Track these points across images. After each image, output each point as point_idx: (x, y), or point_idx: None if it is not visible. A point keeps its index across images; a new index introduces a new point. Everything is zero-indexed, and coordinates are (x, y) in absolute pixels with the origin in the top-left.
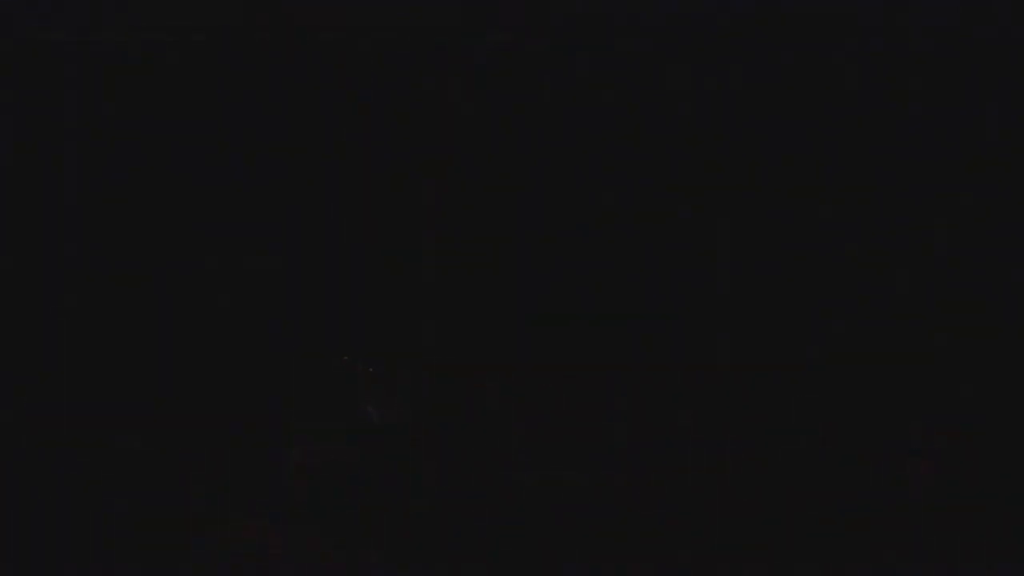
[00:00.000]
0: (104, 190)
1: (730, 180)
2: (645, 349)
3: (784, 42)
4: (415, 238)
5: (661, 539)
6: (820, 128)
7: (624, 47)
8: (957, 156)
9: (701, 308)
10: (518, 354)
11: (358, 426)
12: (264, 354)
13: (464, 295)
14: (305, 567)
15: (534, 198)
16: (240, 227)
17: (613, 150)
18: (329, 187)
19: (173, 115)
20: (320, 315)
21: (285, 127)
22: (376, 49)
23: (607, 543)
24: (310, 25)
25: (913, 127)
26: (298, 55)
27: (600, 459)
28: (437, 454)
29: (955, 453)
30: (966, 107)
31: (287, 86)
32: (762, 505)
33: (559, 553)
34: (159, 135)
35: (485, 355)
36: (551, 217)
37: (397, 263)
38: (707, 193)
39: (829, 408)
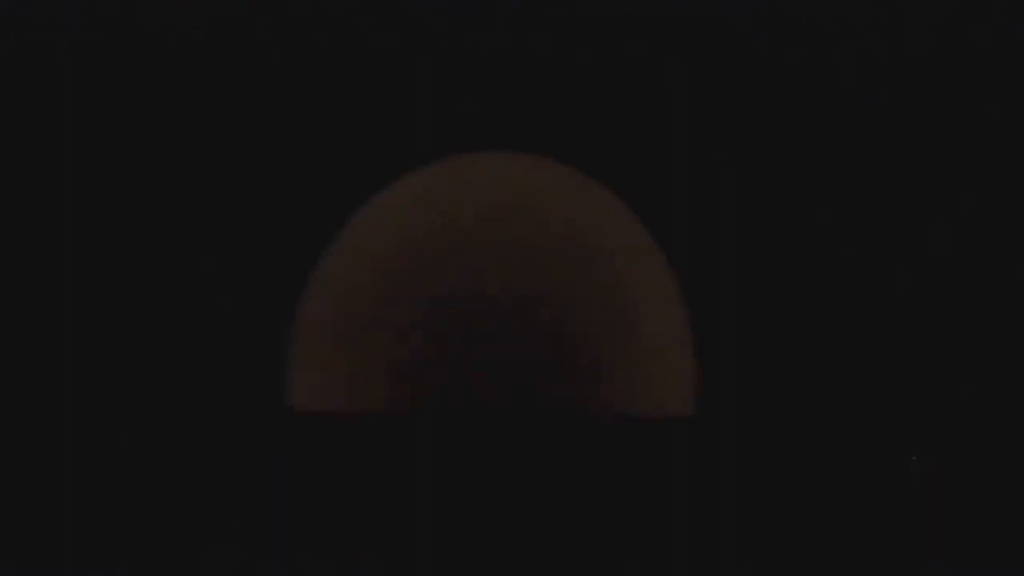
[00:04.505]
0: (104, 190)
1: (730, 180)
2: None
3: (784, 42)
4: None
5: (659, 537)
6: (820, 128)
7: (624, 47)
8: (957, 156)
9: (701, 307)
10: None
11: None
12: (265, 354)
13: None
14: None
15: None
16: (240, 227)
17: (612, 150)
18: (329, 187)
19: (173, 115)
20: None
21: (285, 127)
22: (376, 48)
23: (606, 542)
24: (310, 25)
25: (913, 127)
26: (298, 55)
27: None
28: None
29: (955, 453)
30: (966, 107)
31: (286, 86)
32: (761, 504)
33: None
34: (159, 135)
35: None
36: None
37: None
38: (706, 193)
39: (828, 406)
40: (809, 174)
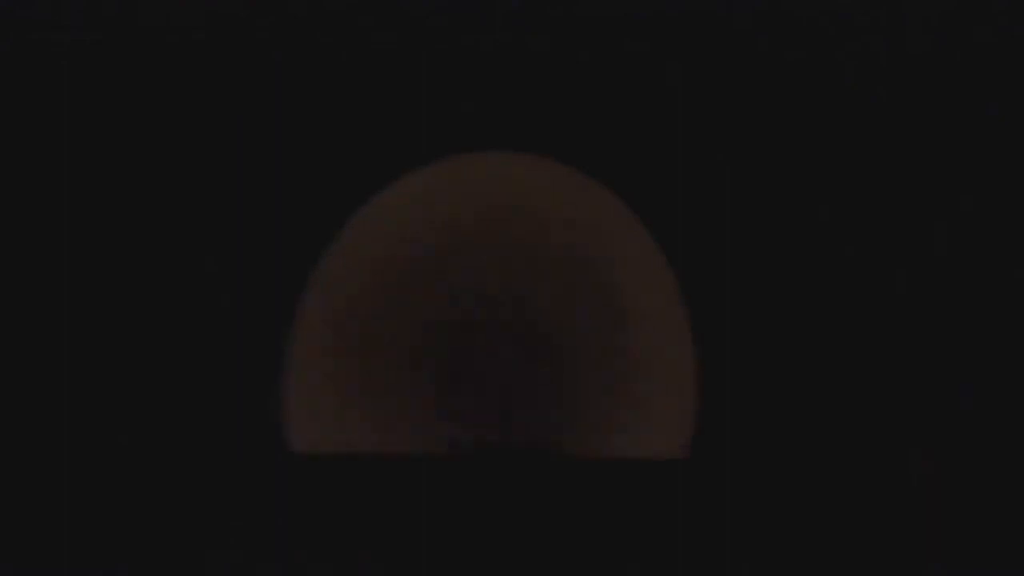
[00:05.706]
0: (103, 190)
1: (730, 180)
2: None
3: (784, 42)
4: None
5: (656, 536)
6: (820, 128)
7: (624, 47)
8: (957, 156)
9: (701, 307)
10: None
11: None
12: (264, 355)
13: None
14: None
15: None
16: (240, 227)
17: (612, 150)
18: (329, 187)
19: (173, 115)
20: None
21: (285, 127)
22: (376, 48)
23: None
24: (310, 25)
25: (913, 127)
26: (298, 55)
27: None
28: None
29: (955, 451)
30: (966, 107)
31: (286, 86)
32: (760, 503)
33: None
34: (159, 135)
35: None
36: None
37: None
38: (706, 193)
39: (827, 402)
40: (809, 174)
